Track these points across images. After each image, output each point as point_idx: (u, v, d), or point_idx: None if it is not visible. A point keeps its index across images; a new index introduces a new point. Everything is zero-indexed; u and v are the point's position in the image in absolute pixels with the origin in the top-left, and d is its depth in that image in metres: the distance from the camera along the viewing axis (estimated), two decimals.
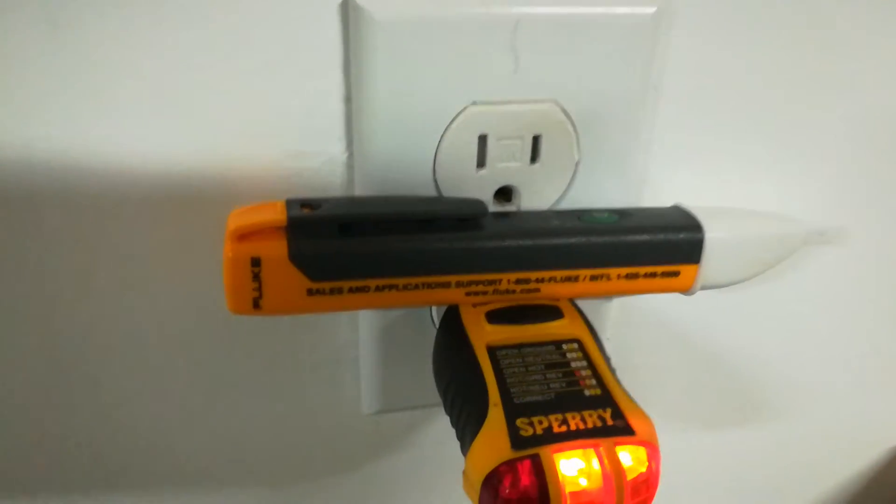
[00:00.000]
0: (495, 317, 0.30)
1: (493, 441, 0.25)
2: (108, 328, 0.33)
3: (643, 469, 0.26)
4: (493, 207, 0.32)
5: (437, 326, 0.32)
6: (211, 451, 0.38)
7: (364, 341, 0.35)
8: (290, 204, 0.28)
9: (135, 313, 0.33)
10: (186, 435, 0.37)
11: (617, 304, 0.39)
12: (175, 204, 0.31)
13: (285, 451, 0.39)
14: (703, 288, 0.32)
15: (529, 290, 0.30)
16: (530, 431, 0.25)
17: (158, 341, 0.34)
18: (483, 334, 0.29)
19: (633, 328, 0.40)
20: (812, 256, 0.41)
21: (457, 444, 0.28)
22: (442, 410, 0.30)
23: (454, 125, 0.30)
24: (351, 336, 0.36)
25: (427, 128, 0.30)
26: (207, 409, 0.36)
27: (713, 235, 0.31)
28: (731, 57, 0.34)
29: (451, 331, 0.30)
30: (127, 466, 0.37)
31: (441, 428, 0.40)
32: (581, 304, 0.32)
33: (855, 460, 0.54)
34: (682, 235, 0.31)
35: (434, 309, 0.34)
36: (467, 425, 0.27)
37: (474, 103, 0.30)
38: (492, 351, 0.29)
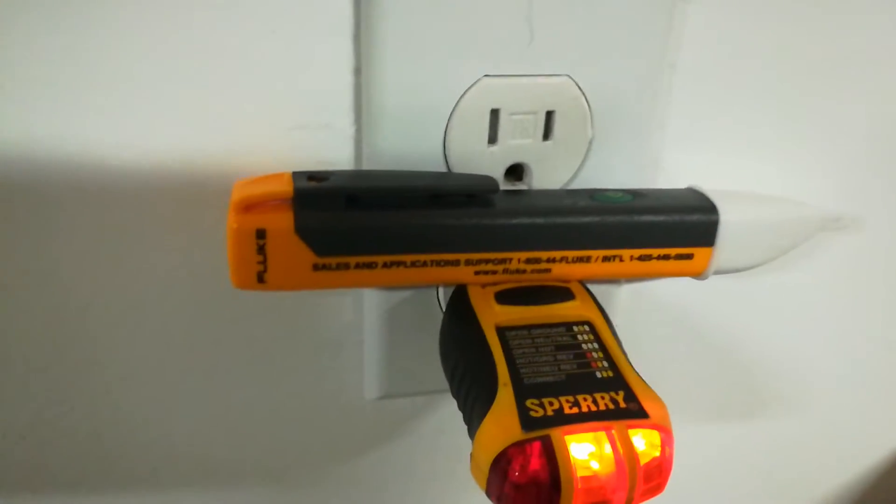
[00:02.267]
0: (505, 297, 0.29)
1: (503, 422, 0.25)
2: (105, 309, 0.32)
3: (657, 453, 0.25)
4: (503, 185, 0.32)
5: (444, 309, 0.31)
6: (210, 435, 0.37)
7: (368, 324, 0.35)
8: (296, 176, 0.27)
9: (134, 292, 0.32)
10: (185, 418, 0.36)
11: (627, 290, 0.38)
12: (178, 176, 0.30)
13: (284, 434, 0.38)
14: (717, 272, 0.32)
15: (540, 271, 0.29)
16: (541, 413, 0.25)
17: (158, 322, 0.33)
18: (492, 314, 0.29)
19: (643, 316, 0.39)
20: (826, 245, 0.40)
21: (457, 432, 0.27)
22: (445, 398, 0.30)
23: (466, 98, 0.29)
24: (355, 318, 0.35)
25: (438, 101, 0.29)
26: (206, 391, 0.35)
27: (728, 218, 0.30)
28: (750, 36, 0.33)
29: (460, 311, 0.30)
30: (124, 450, 0.36)
31: (443, 416, 0.39)
32: (591, 289, 0.31)
33: (863, 458, 0.53)
34: (696, 217, 0.30)
35: (441, 291, 0.34)
36: (475, 406, 0.26)
37: (487, 76, 0.29)
38: (501, 331, 0.28)
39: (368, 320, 0.34)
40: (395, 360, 0.35)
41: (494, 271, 0.29)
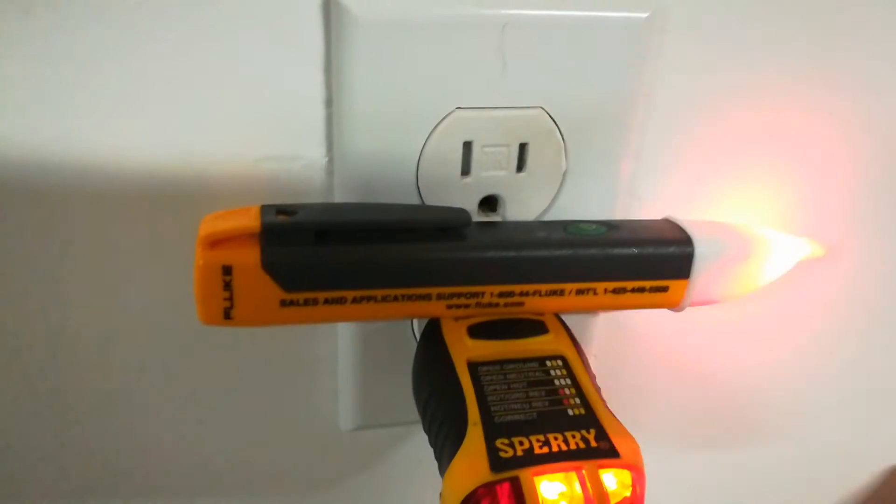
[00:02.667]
0: (477, 331, 0.29)
1: (472, 462, 0.24)
2: (76, 334, 0.32)
3: (627, 493, 0.25)
4: (477, 217, 0.31)
5: (418, 340, 0.31)
6: (181, 465, 0.37)
7: (342, 354, 0.34)
8: (265, 210, 0.27)
9: (104, 319, 0.32)
10: (156, 448, 0.36)
11: (603, 320, 0.38)
12: (149, 206, 0.30)
13: (259, 464, 0.38)
14: (693, 304, 0.31)
15: (513, 304, 0.29)
16: (510, 453, 0.24)
17: (128, 349, 0.33)
18: (464, 349, 0.28)
19: (621, 345, 0.39)
20: (805, 273, 0.40)
21: (435, 463, 0.27)
22: (421, 429, 0.29)
23: (438, 130, 0.29)
24: (329, 348, 0.35)
25: (410, 133, 0.29)
26: (178, 421, 0.35)
27: (704, 250, 0.30)
28: (724, 64, 0.33)
29: (431, 345, 0.29)
30: (92, 481, 0.36)
31: (421, 446, 0.39)
32: (566, 319, 0.31)
33: (848, 482, 0.53)
34: (671, 249, 0.30)
35: (415, 323, 0.33)
36: (445, 445, 0.26)
37: (459, 108, 0.29)
38: (473, 367, 0.28)
39: (343, 351, 0.34)
40: (369, 391, 0.35)
41: (467, 305, 0.29)
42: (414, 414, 0.31)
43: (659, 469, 0.46)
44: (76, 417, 0.33)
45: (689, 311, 0.32)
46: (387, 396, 0.35)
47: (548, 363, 0.28)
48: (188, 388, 0.34)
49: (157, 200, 0.29)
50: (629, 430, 0.26)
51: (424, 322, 0.31)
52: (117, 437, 0.35)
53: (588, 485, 0.24)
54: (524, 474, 0.24)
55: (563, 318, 0.31)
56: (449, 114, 0.29)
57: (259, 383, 0.35)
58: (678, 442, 0.45)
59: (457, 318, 0.29)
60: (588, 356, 0.37)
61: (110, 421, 0.34)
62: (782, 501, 0.52)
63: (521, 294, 0.29)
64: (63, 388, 0.33)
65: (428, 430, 0.28)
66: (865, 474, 0.53)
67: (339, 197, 0.30)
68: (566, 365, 0.28)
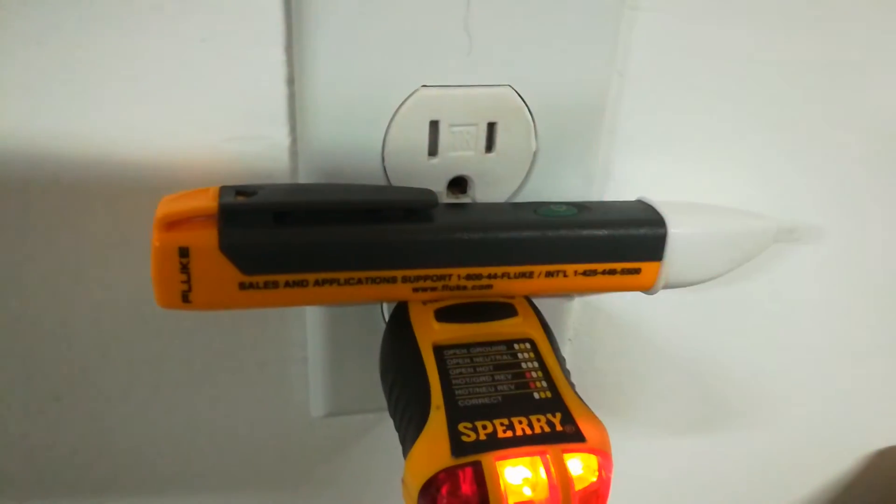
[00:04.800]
0: (445, 315, 0.28)
1: (433, 446, 0.24)
2: (36, 324, 0.31)
3: (593, 478, 0.24)
4: (447, 199, 0.31)
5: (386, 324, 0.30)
6: (155, 454, 0.36)
7: (312, 340, 0.34)
8: (224, 191, 0.26)
9: (66, 308, 0.31)
10: (128, 437, 0.35)
11: (579, 304, 0.37)
12: (109, 190, 0.29)
13: (231, 453, 0.37)
14: (667, 287, 0.31)
15: (481, 287, 0.29)
16: (473, 437, 0.24)
17: (92, 338, 0.32)
18: (430, 333, 0.28)
19: (597, 330, 0.39)
20: (782, 256, 0.40)
21: None
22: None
23: (403, 109, 0.28)
24: (299, 334, 0.34)
25: (375, 112, 0.28)
26: (146, 409, 0.34)
27: (677, 231, 0.29)
28: (699, 41, 0.32)
29: (398, 328, 0.29)
30: (61, 468, 0.35)
31: (393, 433, 0.38)
32: (541, 304, 0.30)
33: (830, 467, 0.52)
34: (643, 231, 0.29)
35: (385, 307, 0.33)
36: (408, 429, 0.25)
37: (425, 86, 0.28)
38: (438, 351, 0.27)
39: (312, 336, 0.34)
40: (340, 377, 0.34)
41: (434, 288, 0.28)
42: (385, 401, 0.30)
43: (639, 455, 0.45)
44: (39, 407, 0.33)
45: (666, 295, 0.32)
46: (357, 383, 0.34)
47: (515, 346, 0.28)
48: (154, 377, 0.34)
49: (117, 184, 0.29)
50: (606, 417, 0.26)
51: (393, 307, 0.30)
52: (81, 427, 0.34)
53: (552, 470, 0.24)
54: (486, 459, 0.23)
55: (536, 302, 0.31)
56: (414, 92, 0.28)
57: (229, 371, 0.34)
58: (658, 427, 0.45)
59: (424, 302, 0.29)
60: (563, 341, 0.36)
61: (73, 410, 0.33)
62: (766, 486, 0.51)
63: (490, 277, 0.28)
64: (25, 375, 0.32)
65: (393, 415, 0.28)
66: (850, 458, 0.53)
67: (303, 178, 0.29)
68: (534, 348, 0.28)
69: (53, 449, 0.34)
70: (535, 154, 0.30)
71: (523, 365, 0.27)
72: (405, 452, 0.25)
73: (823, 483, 0.53)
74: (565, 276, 0.29)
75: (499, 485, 0.23)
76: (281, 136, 0.29)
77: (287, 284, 0.26)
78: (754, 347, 0.43)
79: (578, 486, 0.24)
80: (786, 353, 0.44)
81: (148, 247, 0.29)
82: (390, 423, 0.38)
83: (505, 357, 0.27)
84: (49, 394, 0.33)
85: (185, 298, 0.26)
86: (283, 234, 0.26)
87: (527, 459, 0.24)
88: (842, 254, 0.41)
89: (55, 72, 0.26)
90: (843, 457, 0.53)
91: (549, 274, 0.29)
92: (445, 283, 0.28)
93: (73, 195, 0.28)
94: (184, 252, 0.25)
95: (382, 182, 0.30)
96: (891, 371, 0.48)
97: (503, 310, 0.29)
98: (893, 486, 0.55)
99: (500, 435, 0.24)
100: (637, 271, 0.30)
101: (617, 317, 0.39)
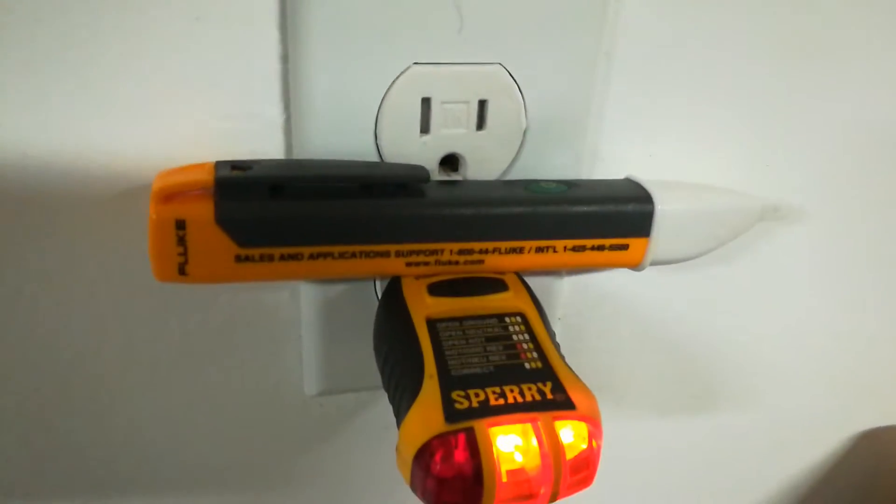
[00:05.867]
0: (437, 289, 0.29)
1: (427, 414, 0.24)
2: (34, 304, 0.31)
3: (584, 446, 0.25)
4: (438, 176, 0.31)
5: (379, 299, 0.31)
6: (148, 433, 0.36)
7: (306, 318, 0.34)
8: (219, 165, 0.27)
9: (64, 288, 0.31)
10: (121, 417, 0.35)
11: (569, 283, 0.38)
12: (105, 167, 0.29)
13: (225, 432, 0.37)
14: (654, 263, 0.31)
15: (473, 262, 0.29)
16: (465, 404, 0.24)
17: (90, 319, 0.32)
18: (423, 307, 0.28)
19: (587, 309, 0.39)
20: (769, 236, 0.40)
21: None
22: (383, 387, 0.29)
23: (395, 86, 0.28)
24: (293, 312, 0.35)
25: (367, 89, 0.28)
26: (143, 388, 0.35)
27: (664, 208, 0.30)
28: (687, 21, 0.33)
29: (391, 303, 0.29)
30: (57, 451, 0.35)
31: (387, 411, 0.39)
32: (532, 283, 0.31)
33: (819, 447, 0.53)
34: (631, 207, 0.30)
35: (378, 284, 0.33)
36: (402, 399, 0.26)
37: (416, 63, 0.28)
38: (431, 323, 0.28)
39: (306, 315, 0.34)
40: (334, 356, 0.35)
41: (426, 262, 0.29)
42: (379, 379, 0.30)
43: (627, 433, 0.46)
44: (35, 385, 0.33)
45: (653, 275, 0.32)
46: (351, 361, 0.35)
47: (507, 319, 0.28)
48: (149, 355, 0.34)
49: (113, 161, 0.29)
50: (595, 393, 0.26)
51: (387, 283, 0.31)
52: (79, 406, 0.34)
53: (543, 437, 0.24)
54: (479, 425, 0.24)
55: (528, 279, 0.31)
56: (406, 69, 0.28)
57: (222, 351, 0.35)
58: (646, 406, 0.45)
59: (417, 277, 0.29)
60: (553, 319, 0.37)
61: (69, 390, 0.34)
62: (752, 466, 0.52)
63: (481, 252, 0.29)
64: (19, 357, 0.32)
65: (387, 387, 0.28)
66: (835, 440, 0.53)
67: (297, 155, 0.30)
68: (525, 321, 0.28)
69: (46, 432, 0.34)
70: (525, 132, 0.31)
71: (514, 337, 0.27)
72: (399, 421, 0.26)
73: (810, 464, 0.54)
74: (555, 251, 0.30)
75: (491, 450, 0.23)
76: (275, 114, 0.30)
77: (282, 258, 0.27)
78: (740, 327, 0.44)
79: (569, 455, 0.24)
80: (771, 333, 0.45)
81: (143, 224, 0.29)
82: (382, 402, 0.39)
83: (496, 330, 0.28)
84: (45, 375, 0.33)
85: (182, 271, 0.26)
86: (278, 207, 0.26)
87: (518, 427, 0.24)
88: (829, 233, 0.41)
89: (51, 49, 0.26)
90: (829, 438, 0.53)
91: (540, 249, 0.29)
92: (438, 257, 0.28)
93: (68, 170, 0.29)
94: (180, 224, 0.25)
95: (375, 159, 0.30)
96: (876, 352, 0.49)
97: (495, 285, 0.29)
98: (877, 468, 0.56)
99: (493, 402, 0.24)
100: (625, 247, 0.30)
101: (605, 296, 0.39)
